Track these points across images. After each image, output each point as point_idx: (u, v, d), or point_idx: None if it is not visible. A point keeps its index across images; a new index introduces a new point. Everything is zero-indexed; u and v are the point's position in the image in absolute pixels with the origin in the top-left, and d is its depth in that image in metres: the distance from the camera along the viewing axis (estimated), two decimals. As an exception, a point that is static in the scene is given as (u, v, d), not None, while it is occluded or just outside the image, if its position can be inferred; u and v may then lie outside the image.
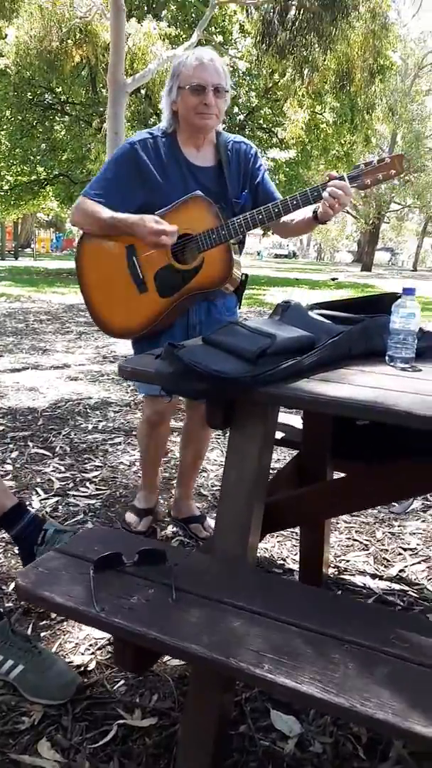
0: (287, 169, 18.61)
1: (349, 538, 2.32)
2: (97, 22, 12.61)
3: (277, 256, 53.67)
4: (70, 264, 24.00)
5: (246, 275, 2.03)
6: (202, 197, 1.87)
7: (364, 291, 15.55)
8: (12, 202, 18.51)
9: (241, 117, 18.86)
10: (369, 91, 12.20)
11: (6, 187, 18.27)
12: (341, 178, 1.78)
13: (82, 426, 3.41)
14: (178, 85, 1.86)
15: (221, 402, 1.20)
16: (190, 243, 1.89)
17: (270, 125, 18.87)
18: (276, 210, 1.82)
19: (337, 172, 1.84)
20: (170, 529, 2.28)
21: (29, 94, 16.12)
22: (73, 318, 8.10)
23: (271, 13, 9.10)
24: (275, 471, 2.06)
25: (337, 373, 1.29)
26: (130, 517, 2.30)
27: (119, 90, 7.94)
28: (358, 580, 2.03)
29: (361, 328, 1.44)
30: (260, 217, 1.83)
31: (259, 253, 46.31)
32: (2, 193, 18.25)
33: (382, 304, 1.75)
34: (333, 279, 21.66)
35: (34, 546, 1.57)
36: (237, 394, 1.16)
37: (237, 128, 18.51)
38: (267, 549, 2.17)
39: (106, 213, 1.89)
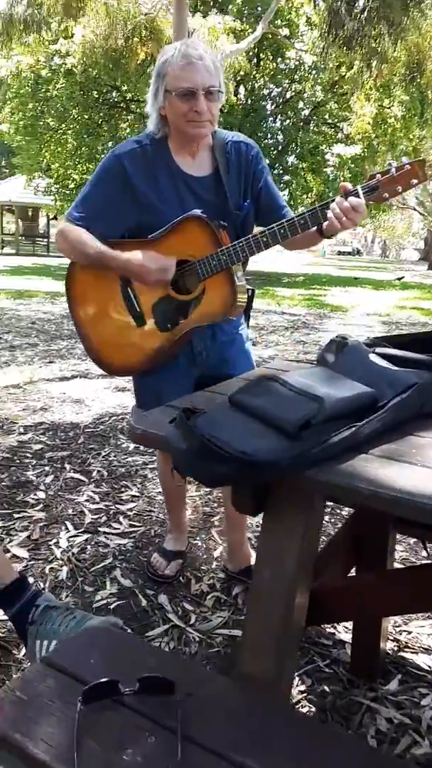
0: (352, 165, 18.03)
1: (412, 600, 2.00)
2: (161, 18, 12.49)
3: (340, 253, 52.58)
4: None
5: (252, 290, 1.78)
6: (200, 217, 1.62)
7: (430, 291, 14.83)
8: (77, 201, 18.71)
9: (306, 112, 18.41)
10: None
11: (72, 186, 18.49)
12: (355, 192, 1.52)
13: (123, 446, 3.20)
14: (165, 88, 1.58)
15: (250, 487, 0.93)
16: (189, 270, 1.65)
17: (336, 120, 18.33)
18: (282, 232, 1.58)
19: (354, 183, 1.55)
20: (206, 582, 2.02)
21: (95, 92, 16.25)
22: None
23: (339, 2, 8.64)
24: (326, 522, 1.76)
25: (405, 444, 1.00)
26: (156, 559, 2.06)
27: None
28: (422, 660, 1.72)
29: (436, 379, 1.14)
30: (265, 240, 1.59)
31: (323, 252, 45.46)
32: (68, 192, 18.47)
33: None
34: (398, 278, 20.86)
35: (27, 626, 1.35)
36: (271, 479, 0.89)
37: (302, 123, 18.10)
38: (316, 612, 1.88)
39: (92, 246, 1.66)
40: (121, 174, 1.66)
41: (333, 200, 1.55)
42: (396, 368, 1.19)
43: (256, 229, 1.75)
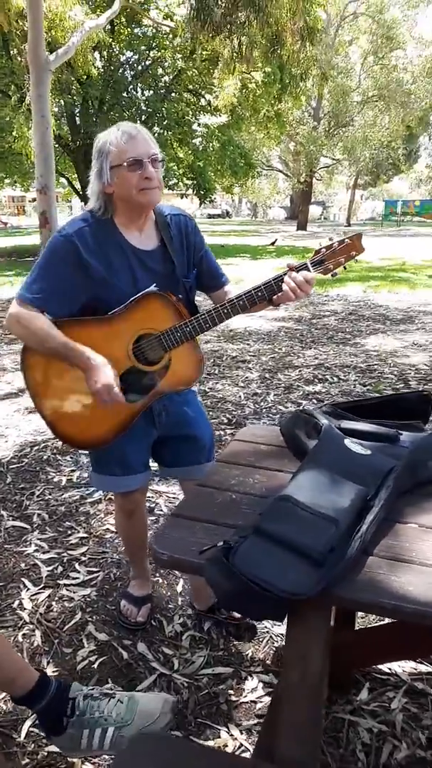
0: (219, 134, 18.14)
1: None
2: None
3: (210, 216, 52.93)
4: (7, 241, 22.60)
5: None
6: (157, 294, 1.71)
7: (304, 256, 15.39)
8: None
9: (167, 79, 18.13)
10: (301, 56, 11.86)
11: None
12: (305, 267, 1.68)
13: (54, 480, 3.18)
14: (110, 165, 1.65)
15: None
16: (153, 342, 1.73)
17: (197, 87, 18.24)
18: (242, 303, 1.71)
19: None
20: (177, 621, 2.13)
21: None
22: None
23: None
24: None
25: (398, 537, 1.15)
26: (126, 607, 2.13)
27: (42, 69, 7.34)
28: (384, 664, 1.95)
29: (407, 464, 1.30)
30: (226, 311, 1.72)
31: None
32: None
33: (407, 402, 1.64)
34: (272, 243, 21.50)
35: (64, 718, 1.40)
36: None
37: (164, 92, 17.81)
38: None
39: (54, 338, 1.68)
40: (73, 252, 1.68)
41: (285, 273, 1.67)
42: (369, 452, 1.34)
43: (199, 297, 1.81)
